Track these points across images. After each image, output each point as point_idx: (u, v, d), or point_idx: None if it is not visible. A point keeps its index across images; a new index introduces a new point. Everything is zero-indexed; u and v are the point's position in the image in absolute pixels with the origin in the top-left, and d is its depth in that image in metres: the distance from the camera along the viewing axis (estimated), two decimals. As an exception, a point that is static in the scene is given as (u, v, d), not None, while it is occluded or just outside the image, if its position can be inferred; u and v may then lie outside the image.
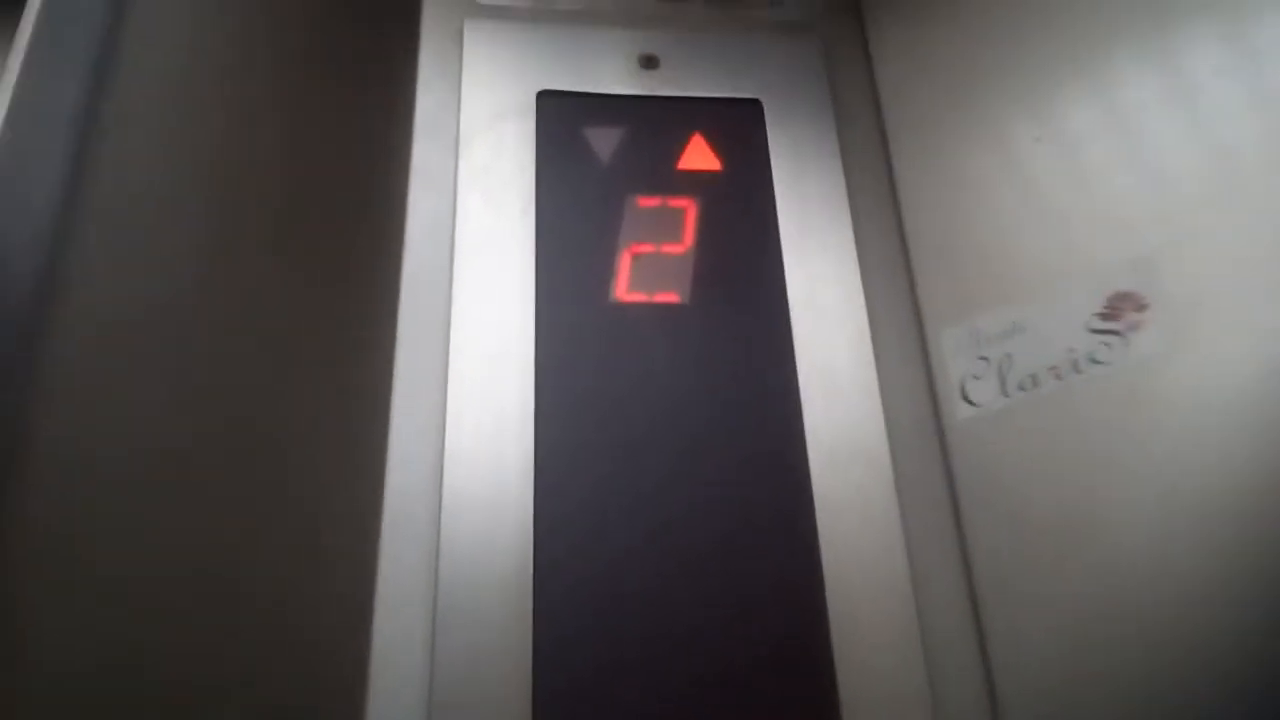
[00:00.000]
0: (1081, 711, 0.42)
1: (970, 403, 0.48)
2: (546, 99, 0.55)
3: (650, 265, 0.51)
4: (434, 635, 0.42)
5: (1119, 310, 0.45)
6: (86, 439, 0.32)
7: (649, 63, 0.57)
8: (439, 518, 0.44)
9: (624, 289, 0.50)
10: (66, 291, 0.32)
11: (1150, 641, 0.40)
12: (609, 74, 0.56)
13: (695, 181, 0.53)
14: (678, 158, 0.54)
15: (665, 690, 0.42)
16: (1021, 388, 0.47)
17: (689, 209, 0.53)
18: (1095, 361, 0.44)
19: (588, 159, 0.54)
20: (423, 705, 0.41)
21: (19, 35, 0.34)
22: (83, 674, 0.30)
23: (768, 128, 0.55)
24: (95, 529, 0.32)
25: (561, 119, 0.54)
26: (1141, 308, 0.44)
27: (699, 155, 0.54)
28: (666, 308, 0.50)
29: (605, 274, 0.51)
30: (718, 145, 0.55)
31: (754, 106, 0.56)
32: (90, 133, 0.35)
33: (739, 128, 0.55)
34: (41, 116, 0.33)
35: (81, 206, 0.34)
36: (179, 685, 0.34)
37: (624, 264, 0.51)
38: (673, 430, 0.47)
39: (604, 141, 0.54)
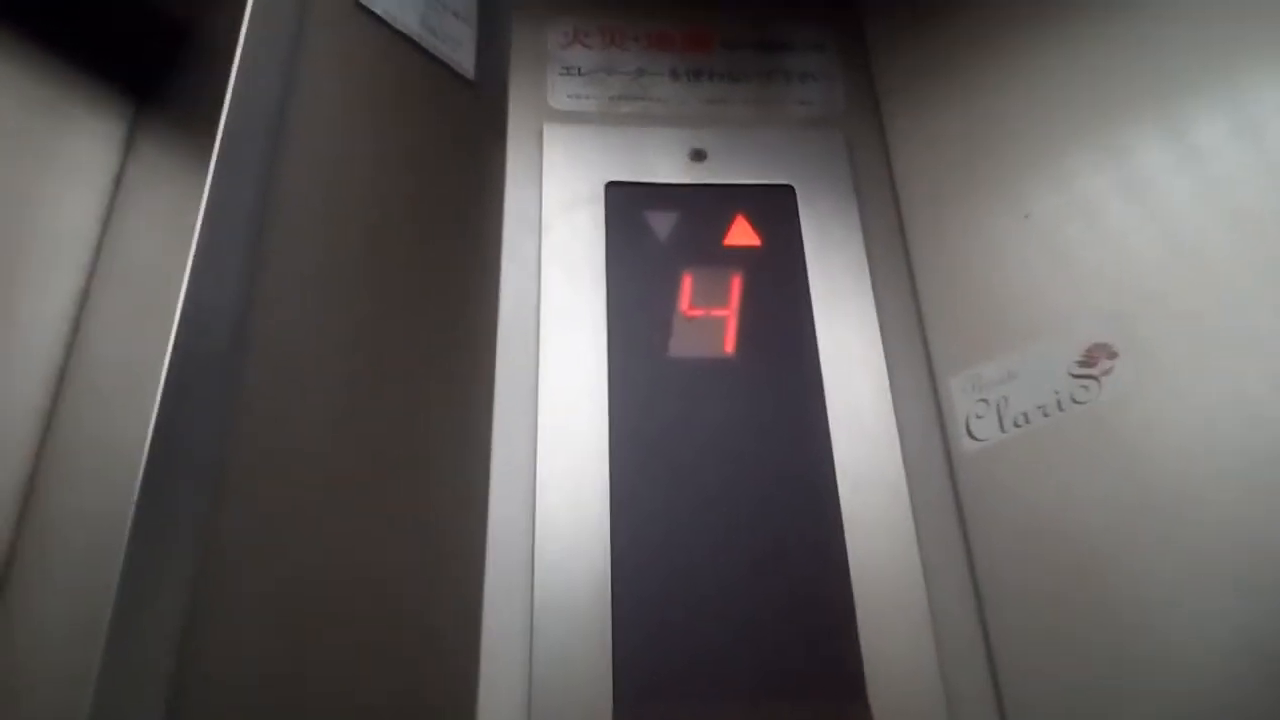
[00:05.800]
0: (1077, 673, 0.50)
1: (974, 438, 0.57)
2: (613, 188, 0.65)
3: (702, 326, 0.61)
4: (532, 629, 0.51)
5: (1095, 358, 0.54)
6: (277, 459, 0.43)
7: (698, 156, 0.68)
8: (533, 536, 0.54)
9: (680, 346, 0.60)
10: (254, 342, 0.44)
11: (1126, 626, 0.48)
12: (665, 166, 0.67)
13: (739, 256, 0.63)
14: (724, 236, 0.64)
15: (723, 676, 0.51)
16: (1016, 424, 0.56)
17: (734, 279, 0.63)
18: (1076, 401, 0.53)
19: (648, 238, 0.64)
20: (525, 683, 0.50)
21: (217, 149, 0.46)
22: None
23: (799, 209, 0.65)
24: (280, 529, 0.42)
25: (626, 205, 0.65)
26: (1113, 355, 0.53)
27: (742, 233, 0.64)
28: (716, 361, 0.59)
29: (664, 334, 0.60)
30: (757, 224, 0.65)
31: (788, 191, 0.66)
32: (265, 227, 0.47)
33: (775, 210, 0.65)
34: (229, 217, 0.45)
35: (263, 282, 0.45)
36: (334, 660, 0.44)
37: (680, 325, 0.61)
38: (724, 463, 0.56)
39: (662, 223, 0.65)
